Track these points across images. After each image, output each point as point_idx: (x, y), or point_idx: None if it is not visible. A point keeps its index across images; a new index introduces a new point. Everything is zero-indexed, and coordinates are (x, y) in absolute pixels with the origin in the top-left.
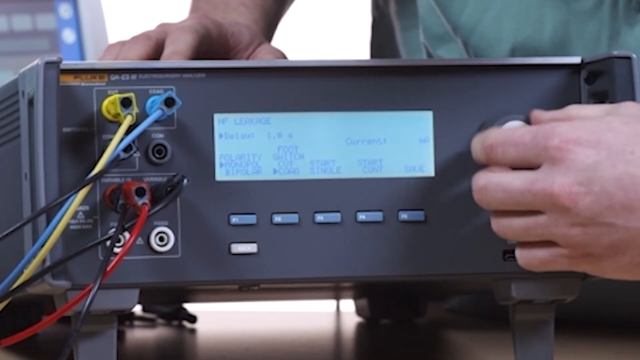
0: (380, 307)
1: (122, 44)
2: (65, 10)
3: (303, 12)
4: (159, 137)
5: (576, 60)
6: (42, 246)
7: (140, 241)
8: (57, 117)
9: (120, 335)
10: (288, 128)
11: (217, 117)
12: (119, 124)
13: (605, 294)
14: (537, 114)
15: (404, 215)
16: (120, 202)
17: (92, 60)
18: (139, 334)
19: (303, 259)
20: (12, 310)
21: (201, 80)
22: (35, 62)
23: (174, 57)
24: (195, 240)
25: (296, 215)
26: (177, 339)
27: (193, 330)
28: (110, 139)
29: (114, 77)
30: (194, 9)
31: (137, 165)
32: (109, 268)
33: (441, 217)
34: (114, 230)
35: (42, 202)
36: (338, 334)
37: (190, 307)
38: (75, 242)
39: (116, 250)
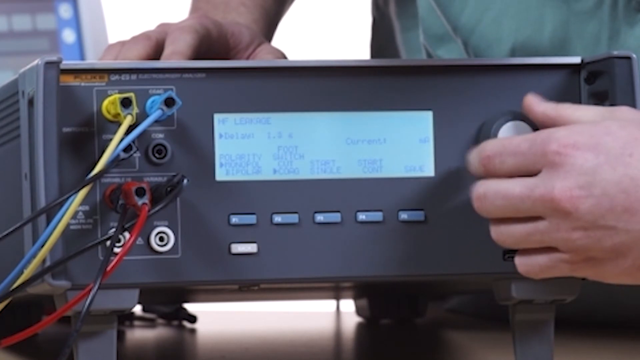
0: (380, 307)
1: (122, 44)
2: (65, 10)
3: (303, 12)
4: (159, 137)
5: (576, 60)
6: (42, 246)
7: (140, 241)
8: (57, 117)
9: (120, 335)
10: (288, 128)
11: (217, 117)
12: (119, 124)
13: (605, 294)
14: (531, 103)
15: (404, 215)
16: (120, 202)
17: (92, 60)
18: (139, 334)
19: (303, 259)
20: (12, 310)
21: (201, 80)
22: (35, 62)
23: (174, 57)
24: (195, 240)
25: (296, 215)
26: (177, 339)
27: (193, 330)
28: (110, 139)
29: (114, 77)
30: (194, 9)
31: (137, 165)
32: (109, 268)
33: (441, 217)
34: (114, 230)
35: (42, 202)
36: (338, 334)
37: (190, 307)
38: (75, 242)
39: (116, 250)
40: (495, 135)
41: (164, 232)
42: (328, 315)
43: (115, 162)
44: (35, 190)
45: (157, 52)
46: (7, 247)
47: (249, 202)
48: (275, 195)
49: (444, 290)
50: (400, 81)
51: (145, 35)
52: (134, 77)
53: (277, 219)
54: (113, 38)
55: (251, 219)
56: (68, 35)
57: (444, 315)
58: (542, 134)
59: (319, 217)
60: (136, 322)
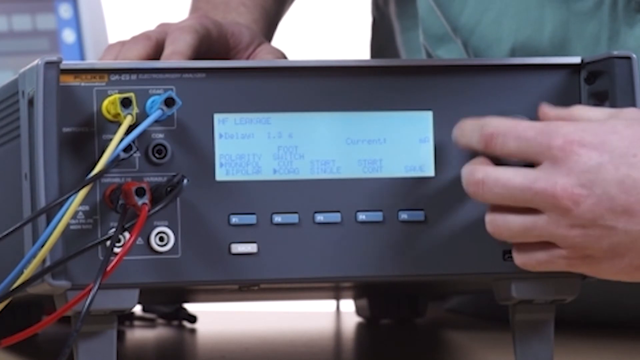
0: (380, 307)
1: (122, 44)
2: (65, 10)
3: (303, 12)
4: (159, 137)
5: (576, 60)
6: (42, 246)
7: (140, 241)
8: (57, 117)
9: (120, 335)
10: (288, 128)
11: (217, 117)
12: (119, 124)
13: (605, 295)
14: (544, 109)
15: (404, 215)
16: (120, 202)
17: (92, 60)
18: (139, 334)
19: (303, 259)
20: (12, 310)
21: (201, 80)
22: (35, 62)
23: (174, 57)
24: (195, 240)
25: (296, 215)
26: (177, 339)
27: (193, 330)
28: (110, 139)
29: (114, 77)
30: (194, 9)
31: (137, 165)
32: (109, 268)
33: (441, 217)
34: (114, 230)
35: (42, 202)
36: (338, 334)
37: (190, 307)
38: (75, 242)
39: (116, 250)
40: None
41: (164, 232)
42: (328, 315)
43: (115, 162)
44: (35, 190)
45: (157, 52)
46: (7, 247)
47: (249, 202)
48: (275, 195)
49: (444, 290)
50: (400, 81)
51: (145, 35)
52: (134, 77)
53: (277, 219)
54: (113, 38)
55: (251, 219)
56: (68, 35)
57: (444, 315)
58: (550, 125)
59: (319, 217)
60: (136, 322)
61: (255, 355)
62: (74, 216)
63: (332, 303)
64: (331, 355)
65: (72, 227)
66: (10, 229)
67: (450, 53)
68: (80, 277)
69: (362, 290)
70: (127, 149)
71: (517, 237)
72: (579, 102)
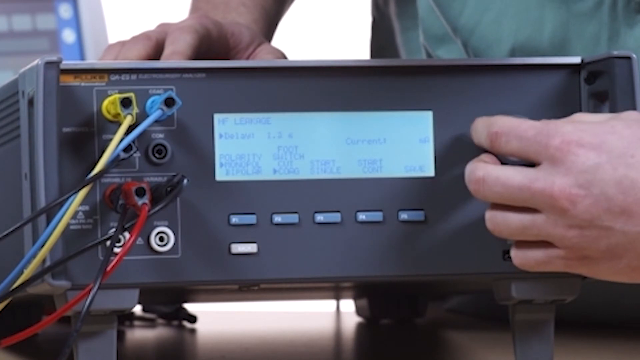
0: (380, 307)
1: (122, 44)
2: (65, 10)
3: (303, 12)
4: (159, 137)
5: (576, 60)
6: (42, 246)
7: (140, 241)
8: (57, 117)
9: (120, 335)
10: (288, 128)
11: (217, 117)
12: (119, 124)
13: (605, 295)
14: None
15: (404, 215)
16: (120, 202)
17: (92, 60)
18: (139, 334)
19: (303, 259)
20: (12, 310)
21: (201, 80)
22: (35, 62)
23: (174, 57)
24: (195, 240)
25: (296, 215)
26: (177, 339)
27: (193, 330)
28: (110, 139)
29: (114, 77)
30: (194, 9)
31: (137, 165)
32: (109, 268)
33: (441, 217)
34: (114, 230)
35: (42, 202)
36: (338, 334)
37: (190, 307)
38: (75, 242)
39: (116, 250)
40: None
41: (164, 232)
42: (328, 315)
43: (115, 162)
44: (35, 190)
45: (157, 52)
46: (7, 247)
47: (249, 202)
48: (275, 195)
49: (444, 290)
50: (400, 81)
51: (145, 35)
52: (134, 77)
53: (277, 219)
54: (113, 38)
55: (251, 219)
56: (68, 35)
57: (444, 315)
58: (549, 124)
59: (319, 217)
60: (136, 322)
61: (255, 355)
62: (74, 216)
63: (332, 303)
64: (331, 355)
65: (72, 227)
66: (10, 229)
67: (450, 53)
68: (80, 277)
69: (362, 290)
70: (127, 149)
71: (516, 235)
72: (579, 102)
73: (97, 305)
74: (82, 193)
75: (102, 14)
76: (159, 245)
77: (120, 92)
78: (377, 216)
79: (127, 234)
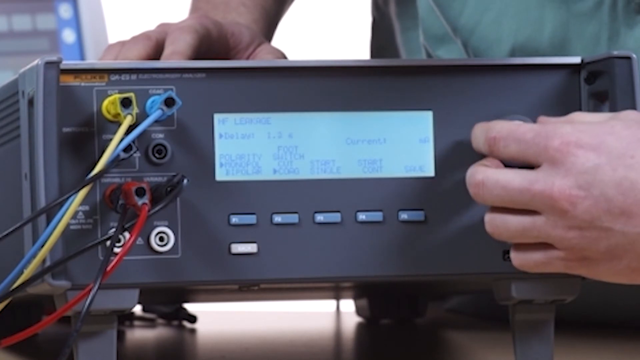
0: (380, 307)
1: (122, 44)
2: (65, 10)
3: (303, 12)
4: (159, 137)
5: (576, 60)
6: (42, 246)
7: (140, 241)
8: (57, 117)
9: (120, 335)
10: (288, 128)
11: (217, 117)
12: (119, 124)
13: (605, 295)
14: (544, 120)
15: (404, 215)
16: (120, 202)
17: (92, 60)
18: (139, 334)
19: (303, 259)
20: (12, 310)
21: (201, 80)
22: (35, 62)
23: (174, 57)
24: (195, 240)
25: (296, 215)
26: (177, 339)
27: (193, 330)
28: (110, 139)
29: (114, 77)
30: (194, 9)
31: (137, 165)
32: (109, 268)
33: (441, 217)
34: (114, 230)
35: (42, 202)
36: (338, 334)
37: (190, 307)
38: (75, 242)
39: (116, 250)
40: None
41: (164, 232)
42: (328, 315)
43: (115, 162)
44: (35, 190)
45: (157, 52)
46: (7, 247)
47: (249, 202)
48: (275, 195)
49: (444, 290)
50: (400, 81)
51: (145, 35)
52: (134, 77)
53: (277, 219)
54: (113, 38)
55: (251, 219)
56: (68, 35)
57: (444, 315)
58: (548, 126)
59: (319, 217)
60: (136, 322)
61: (255, 355)
62: (74, 216)
63: (332, 303)
64: (331, 355)
65: (72, 227)
66: (10, 229)
67: (450, 53)
68: (80, 277)
69: (362, 290)
70: (127, 149)
71: (515, 238)
72: (579, 102)
73: (97, 305)
74: (82, 193)
75: (102, 14)
76: (159, 245)
77: (120, 92)
78: (377, 216)
79: (127, 234)
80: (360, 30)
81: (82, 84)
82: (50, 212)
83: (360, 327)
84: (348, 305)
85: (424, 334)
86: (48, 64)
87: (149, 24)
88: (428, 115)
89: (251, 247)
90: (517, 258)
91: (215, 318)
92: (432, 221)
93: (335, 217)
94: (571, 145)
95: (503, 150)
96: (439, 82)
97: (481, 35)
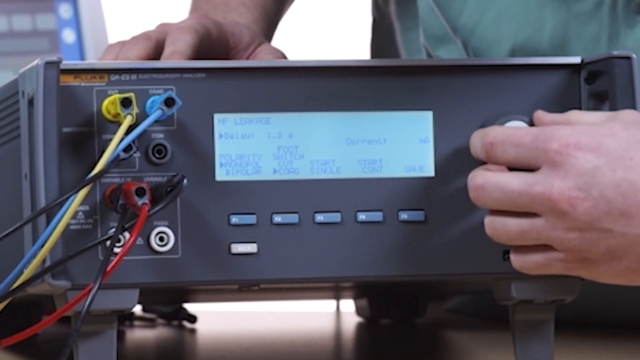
0: (380, 307)
1: (122, 44)
2: (65, 10)
3: (303, 12)
4: (159, 137)
5: (576, 60)
6: (42, 246)
7: (140, 241)
8: (57, 117)
9: (120, 335)
10: (288, 128)
11: (217, 117)
12: (119, 124)
13: (605, 295)
14: (540, 114)
15: (404, 215)
16: (120, 202)
17: (92, 60)
18: (139, 334)
19: (303, 259)
20: (12, 310)
21: (201, 80)
22: (35, 62)
23: (174, 57)
24: (195, 240)
25: (296, 215)
26: (177, 339)
27: (193, 330)
28: (110, 139)
29: (114, 77)
30: (194, 9)
31: (137, 165)
32: (109, 268)
33: (441, 217)
34: (114, 230)
35: (42, 202)
36: (338, 334)
37: (190, 307)
38: (75, 242)
39: (116, 250)
40: None
41: (164, 232)
42: (328, 315)
43: (115, 162)
44: (35, 190)
45: (157, 52)
46: (7, 247)
47: (249, 202)
48: (275, 195)
49: (444, 290)
50: (400, 81)
51: (145, 35)
52: (134, 77)
53: (277, 219)
54: (113, 38)
55: (251, 219)
56: (68, 35)
57: (444, 315)
58: (545, 129)
59: (319, 217)
60: (136, 322)
61: (255, 355)
62: (74, 216)
63: (332, 303)
64: (331, 355)
65: (72, 227)
66: (10, 229)
67: (451, 53)
68: (80, 277)
69: (362, 290)
70: (127, 149)
71: (515, 240)
72: (579, 102)
73: (97, 305)
74: (82, 193)
75: (102, 14)
76: (159, 245)
77: (120, 92)
78: (377, 216)
79: (127, 234)
80: (360, 30)
81: (82, 84)
82: (50, 212)
83: (360, 327)
84: (348, 305)
85: (424, 334)
86: (48, 64)
87: (149, 24)
88: (428, 115)
89: (251, 247)
90: (517, 260)
91: (215, 318)
92: (432, 221)
93: (335, 217)
94: (570, 147)
95: (501, 156)
96: (439, 82)
97: (481, 36)
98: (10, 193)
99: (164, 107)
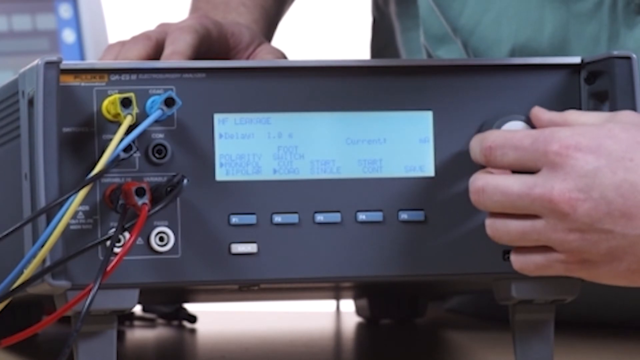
0: (380, 307)
1: (122, 44)
2: (65, 10)
3: (303, 12)
4: (159, 137)
5: (576, 60)
6: (42, 246)
7: (140, 241)
8: (57, 117)
9: (120, 335)
10: (288, 128)
11: (217, 117)
12: (119, 124)
13: (605, 295)
14: (537, 112)
15: (404, 215)
16: (120, 202)
17: (92, 60)
18: (139, 334)
19: (303, 259)
20: (12, 310)
21: (201, 80)
22: (35, 62)
23: (174, 57)
24: (195, 240)
25: (296, 215)
26: (177, 339)
27: (193, 330)
28: (110, 139)
29: (114, 77)
30: (194, 9)
31: (137, 165)
32: (109, 268)
33: (441, 217)
34: (114, 230)
35: (42, 202)
36: (338, 334)
37: (190, 307)
38: (75, 242)
39: (116, 250)
40: None
41: (164, 232)
42: (328, 315)
43: (115, 162)
44: (35, 190)
45: (157, 52)
46: (7, 247)
47: (249, 202)
48: (275, 195)
49: (444, 290)
50: (400, 81)
51: (145, 35)
52: (134, 77)
53: (277, 219)
54: (113, 38)
55: (251, 219)
56: (68, 35)
57: (444, 315)
58: (545, 131)
59: (319, 217)
60: (136, 322)
61: (255, 355)
62: (74, 216)
63: (332, 303)
64: (331, 355)
65: (72, 227)
66: (10, 229)
67: (451, 53)
68: (80, 277)
69: (362, 290)
70: (127, 149)
71: (516, 241)
72: (579, 102)
73: (97, 305)
74: (82, 193)
75: (102, 14)
76: (159, 245)
77: (120, 92)
78: (377, 216)
79: (127, 234)
80: (360, 30)
81: (82, 84)
82: (50, 212)
83: (360, 327)
84: (348, 305)
85: (424, 334)
86: (48, 64)
87: (149, 24)
88: (428, 115)
89: (251, 247)
90: (518, 261)
91: (215, 318)
92: (432, 221)
93: (335, 217)
94: (570, 148)
95: (501, 159)
96: (439, 82)
97: (481, 36)
98: (10, 193)
99: (164, 107)
